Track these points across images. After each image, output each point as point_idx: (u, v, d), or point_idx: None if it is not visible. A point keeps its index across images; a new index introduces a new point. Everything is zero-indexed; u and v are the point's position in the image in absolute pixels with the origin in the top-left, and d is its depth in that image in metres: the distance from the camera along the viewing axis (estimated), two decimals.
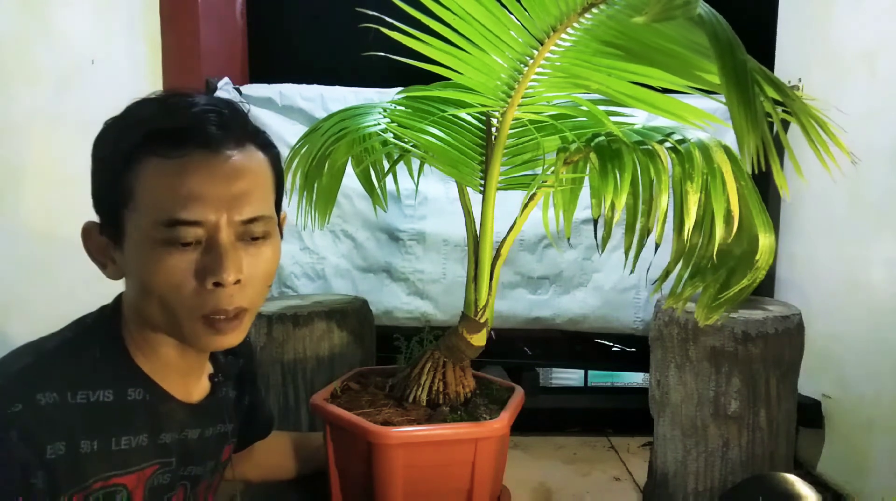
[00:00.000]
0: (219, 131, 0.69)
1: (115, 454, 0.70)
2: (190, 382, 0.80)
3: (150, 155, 0.67)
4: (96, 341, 0.73)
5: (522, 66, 0.99)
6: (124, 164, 0.68)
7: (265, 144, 0.75)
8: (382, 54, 0.97)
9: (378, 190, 1.39)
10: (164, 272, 0.67)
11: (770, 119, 0.73)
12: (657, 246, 0.88)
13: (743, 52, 0.69)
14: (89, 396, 0.69)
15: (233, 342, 0.73)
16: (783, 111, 0.79)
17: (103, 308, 0.78)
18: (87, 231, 0.73)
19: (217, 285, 0.68)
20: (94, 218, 0.73)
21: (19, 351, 0.71)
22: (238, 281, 0.70)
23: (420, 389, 1.13)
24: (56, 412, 0.66)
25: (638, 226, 0.89)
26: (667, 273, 0.94)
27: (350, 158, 1.32)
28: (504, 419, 1.05)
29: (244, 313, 0.72)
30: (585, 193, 1.05)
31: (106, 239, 0.71)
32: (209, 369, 0.85)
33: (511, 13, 0.93)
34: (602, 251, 0.95)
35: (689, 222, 0.84)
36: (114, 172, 0.69)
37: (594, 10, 0.88)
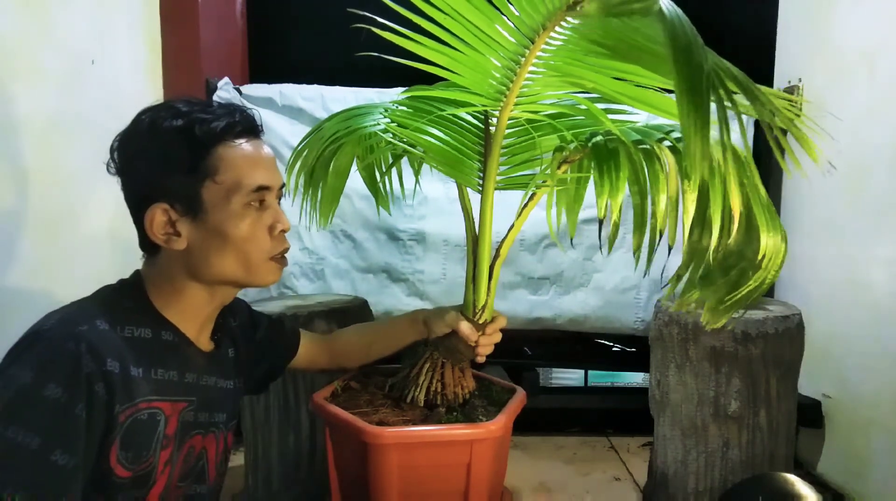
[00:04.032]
0: (254, 124, 0.93)
1: (155, 381, 0.85)
2: (202, 335, 0.97)
3: (220, 142, 0.87)
4: (126, 296, 0.89)
5: (515, 65, 0.99)
6: (204, 149, 0.86)
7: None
8: (377, 55, 0.97)
9: (383, 191, 1.39)
10: (248, 225, 0.89)
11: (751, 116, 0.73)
12: (669, 248, 0.87)
13: (700, 54, 0.66)
14: (133, 331, 0.85)
15: (282, 273, 0.98)
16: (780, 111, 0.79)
17: (122, 279, 0.93)
18: (154, 211, 0.86)
19: (283, 231, 0.94)
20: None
21: (65, 306, 0.84)
22: None
23: (418, 389, 1.13)
24: (110, 336, 0.81)
25: (648, 227, 0.88)
26: (678, 277, 0.93)
27: (355, 159, 1.31)
28: (500, 422, 1.04)
29: None
30: (588, 192, 1.04)
31: (178, 215, 0.87)
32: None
33: (501, 12, 0.92)
34: (609, 252, 0.95)
35: (688, 221, 0.83)
36: (193, 157, 0.86)
37: (578, 9, 0.88)
